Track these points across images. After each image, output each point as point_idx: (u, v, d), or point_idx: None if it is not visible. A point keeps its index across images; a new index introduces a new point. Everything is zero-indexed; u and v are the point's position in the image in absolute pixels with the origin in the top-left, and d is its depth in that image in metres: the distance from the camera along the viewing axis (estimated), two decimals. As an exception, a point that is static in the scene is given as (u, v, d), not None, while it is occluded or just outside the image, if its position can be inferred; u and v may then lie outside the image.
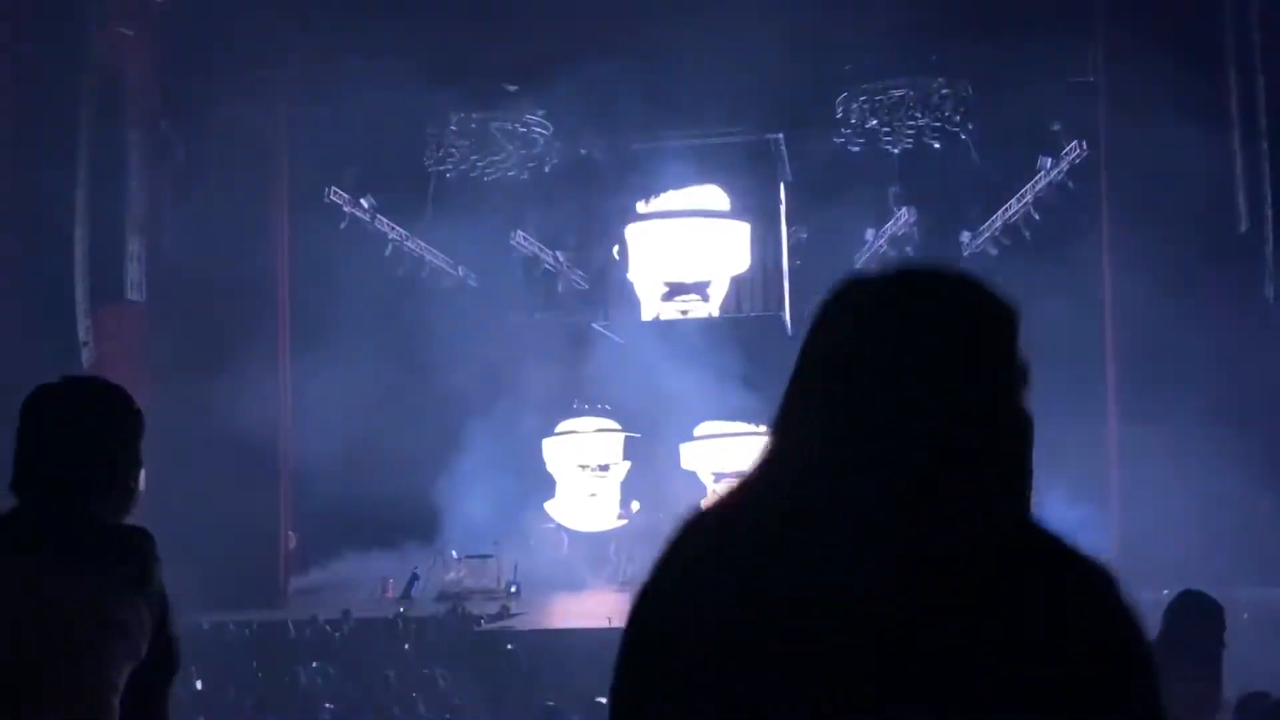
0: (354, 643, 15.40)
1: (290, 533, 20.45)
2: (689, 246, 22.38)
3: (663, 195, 22.51)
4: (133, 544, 2.59)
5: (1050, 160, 20.20)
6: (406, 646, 14.74)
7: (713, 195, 22.52)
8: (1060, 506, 16.09)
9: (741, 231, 22.54)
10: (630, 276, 22.81)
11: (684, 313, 22.77)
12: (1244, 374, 16.25)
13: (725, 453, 22.97)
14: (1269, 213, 15.81)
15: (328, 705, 12.27)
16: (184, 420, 16.76)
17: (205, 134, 19.05)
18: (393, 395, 21.39)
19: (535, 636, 15.41)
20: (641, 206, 22.73)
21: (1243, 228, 16.41)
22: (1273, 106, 15.67)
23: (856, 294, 1.54)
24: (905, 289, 1.51)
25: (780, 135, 21.65)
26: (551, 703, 10.52)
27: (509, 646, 14.52)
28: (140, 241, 18.71)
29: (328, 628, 16.19)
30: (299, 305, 20.62)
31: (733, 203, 22.58)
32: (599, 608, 18.01)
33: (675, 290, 22.72)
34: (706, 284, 22.68)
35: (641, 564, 19.26)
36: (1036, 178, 20.48)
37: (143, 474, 2.75)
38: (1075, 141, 19.77)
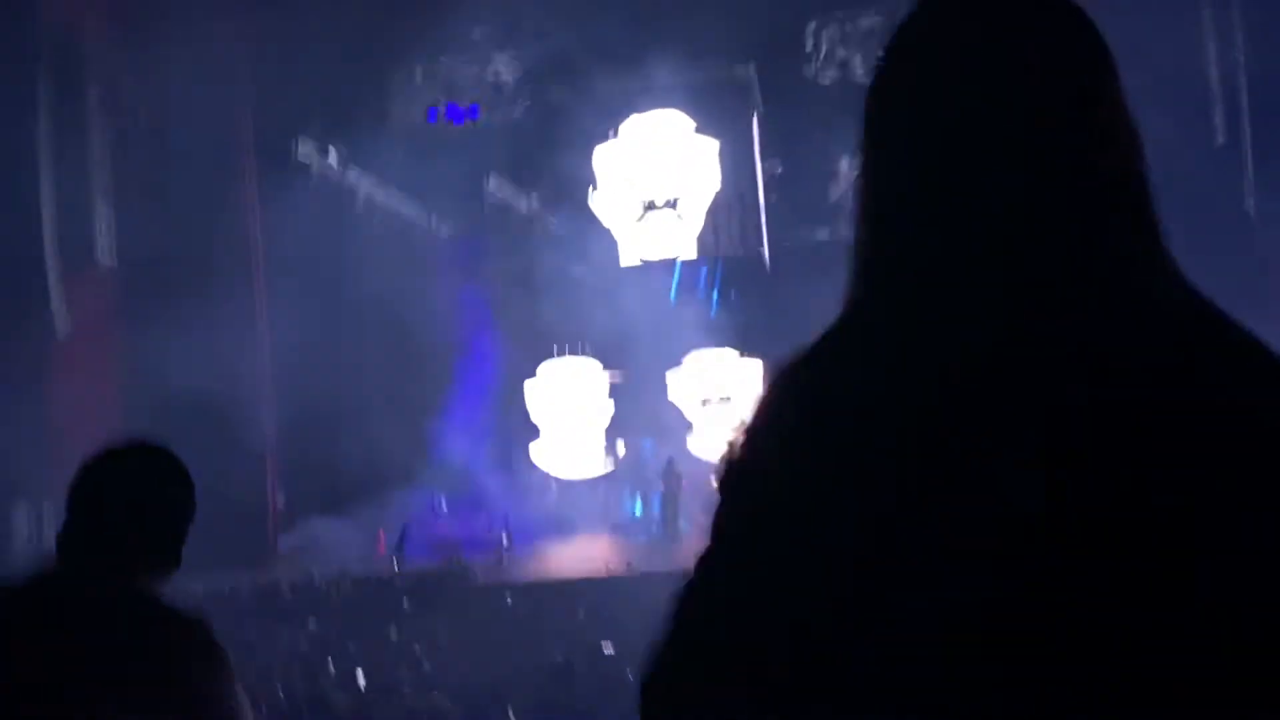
0: (351, 601, 15.34)
1: (278, 492, 20.34)
2: (658, 162, 22.14)
3: (626, 120, 22.27)
4: (166, 637, 2.40)
5: (1023, 83, 20.06)
6: (405, 603, 14.68)
7: (675, 117, 22.31)
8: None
9: (710, 147, 22.32)
10: (600, 207, 22.50)
11: (660, 234, 22.52)
12: (1224, 288, 16.25)
13: (711, 377, 22.93)
14: (1246, 126, 15.75)
15: (330, 664, 12.20)
16: (163, 384, 16.57)
17: (169, 92, 18.66)
18: (372, 348, 21.25)
19: (533, 588, 15.39)
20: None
21: (1220, 140, 16.36)
22: (1249, 20, 15.56)
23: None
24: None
25: (751, 68, 21.44)
26: (561, 658, 10.48)
27: (508, 599, 14.49)
28: (109, 205, 18.39)
29: (323, 587, 16.12)
30: (274, 260, 20.35)
31: (701, 129, 22.37)
32: (592, 554, 18.04)
33: (649, 209, 22.50)
34: (679, 200, 22.42)
35: (628, 509, 19.16)
36: (1009, 101, 20.37)
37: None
38: (1049, 63, 19.66)
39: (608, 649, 10.89)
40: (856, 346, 1.24)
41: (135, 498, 2.51)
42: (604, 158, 22.27)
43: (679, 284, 22.69)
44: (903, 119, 1.24)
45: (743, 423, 1.30)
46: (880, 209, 1.25)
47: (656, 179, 22.28)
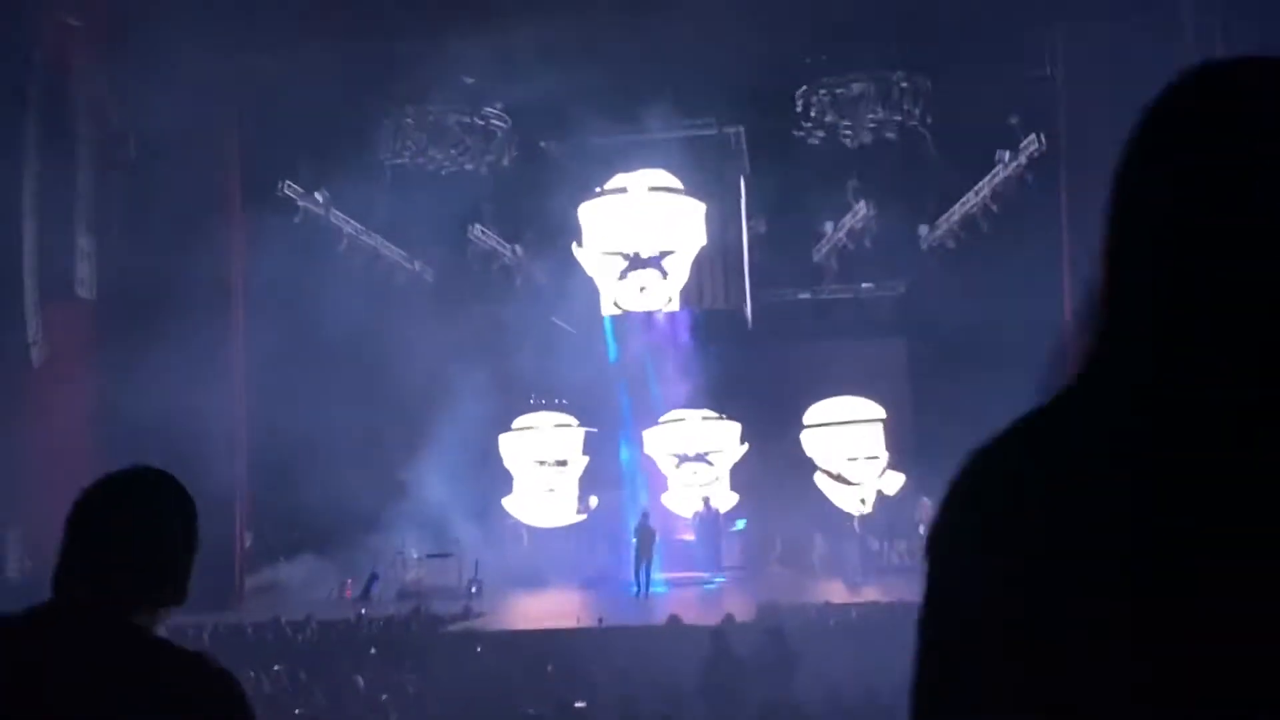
0: (317, 645, 15.13)
1: (246, 532, 20.12)
2: (644, 218, 22.20)
3: (614, 178, 22.36)
4: (204, 688, 2.23)
5: (1008, 154, 20.20)
6: (373, 650, 14.49)
7: (663, 176, 22.42)
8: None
9: (697, 209, 22.40)
10: (585, 259, 22.56)
11: (642, 290, 22.57)
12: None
13: (687, 435, 22.93)
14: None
15: (296, 711, 12.00)
16: (135, 419, 16.42)
17: (156, 127, 18.64)
18: (348, 391, 21.12)
19: (504, 638, 15.21)
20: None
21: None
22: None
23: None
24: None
25: (740, 129, 21.55)
26: (531, 711, 10.32)
27: (477, 650, 14.32)
28: (90, 238, 18.30)
29: (288, 630, 15.89)
30: (253, 300, 20.26)
31: (689, 192, 22.48)
32: (563, 606, 17.89)
33: (633, 264, 22.52)
34: (663, 257, 22.46)
35: (601, 563, 19.05)
36: (994, 171, 20.50)
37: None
38: (1033, 135, 19.78)
39: (579, 704, 10.75)
40: (1103, 409, 1.13)
41: (136, 527, 2.40)
42: (589, 212, 22.33)
43: (662, 337, 22.74)
44: (1164, 178, 1.14)
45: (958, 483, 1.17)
46: (1129, 272, 1.15)
47: (641, 237, 22.35)
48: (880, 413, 22.95)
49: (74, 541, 2.36)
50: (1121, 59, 16.41)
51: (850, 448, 22.78)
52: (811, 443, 22.88)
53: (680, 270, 22.76)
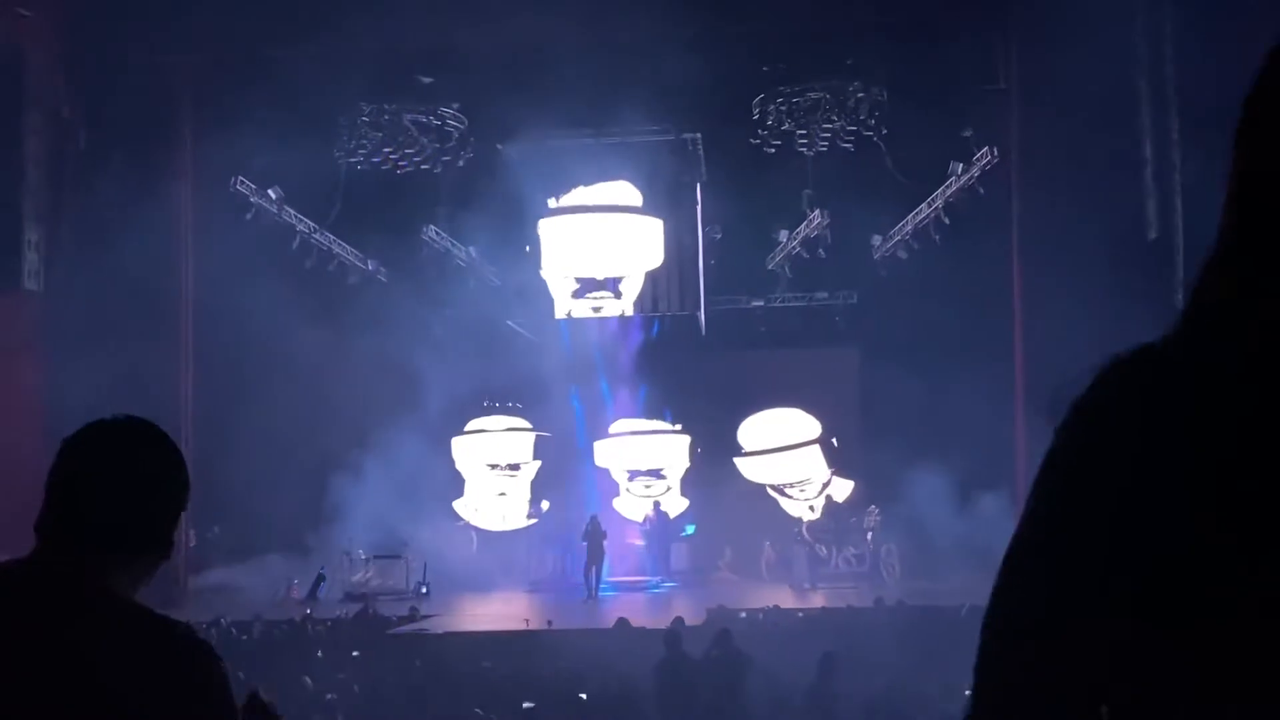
0: (262, 645, 14.99)
1: (190, 530, 19.90)
2: (600, 241, 22.15)
3: (573, 191, 22.32)
4: (185, 651, 2.17)
5: (961, 166, 20.34)
6: (319, 652, 14.36)
7: (624, 191, 22.36)
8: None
9: (654, 227, 22.39)
10: (542, 273, 22.58)
11: (596, 310, 22.59)
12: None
13: (639, 449, 22.92)
14: (1179, 221, 16.08)
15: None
16: (81, 413, 16.21)
17: (108, 119, 18.46)
18: (298, 389, 20.95)
19: (452, 639, 15.16)
20: (552, 203, 22.53)
21: (1152, 235, 16.70)
22: (1185, 114, 15.94)
23: None
24: None
25: (698, 135, 21.61)
26: (479, 712, 10.29)
27: (425, 651, 14.25)
28: (38, 229, 18.09)
29: (233, 630, 15.73)
30: (202, 296, 20.07)
31: (646, 199, 22.46)
32: (511, 610, 17.84)
33: (587, 286, 22.51)
34: (619, 280, 22.49)
35: (551, 567, 18.98)
36: (947, 182, 20.64)
37: (180, 535, 2.38)
38: (987, 148, 19.94)
39: (527, 704, 10.74)
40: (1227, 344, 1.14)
41: (115, 481, 2.26)
42: (547, 230, 22.24)
43: (616, 342, 22.74)
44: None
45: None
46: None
47: (597, 262, 22.24)
48: (814, 432, 22.82)
49: (55, 493, 2.26)
50: (1073, 74, 16.63)
51: (788, 473, 22.80)
52: (748, 469, 22.81)
53: (635, 287, 22.78)
